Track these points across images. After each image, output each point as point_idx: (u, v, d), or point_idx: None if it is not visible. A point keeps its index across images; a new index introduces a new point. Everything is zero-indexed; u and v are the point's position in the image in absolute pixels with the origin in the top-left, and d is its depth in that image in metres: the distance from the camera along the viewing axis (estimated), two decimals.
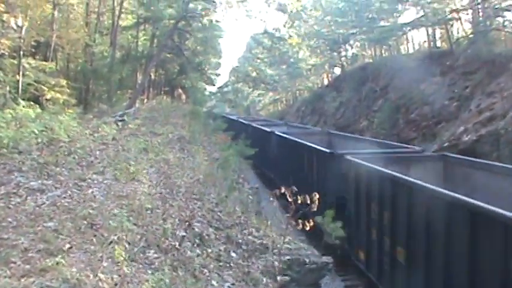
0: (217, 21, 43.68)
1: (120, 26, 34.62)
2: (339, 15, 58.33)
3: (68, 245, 7.16)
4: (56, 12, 25.25)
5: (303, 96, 76.29)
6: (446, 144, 26.78)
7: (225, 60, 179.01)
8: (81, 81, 29.39)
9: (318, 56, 70.47)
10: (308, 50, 72.08)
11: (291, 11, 54.59)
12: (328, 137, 27.66)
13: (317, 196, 8.67)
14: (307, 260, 10.50)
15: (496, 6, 32.27)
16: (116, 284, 6.37)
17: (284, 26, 68.46)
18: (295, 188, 9.29)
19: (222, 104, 55.44)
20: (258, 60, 77.03)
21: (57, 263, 6.40)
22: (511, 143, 22.23)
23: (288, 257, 10.25)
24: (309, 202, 9.09)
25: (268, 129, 31.01)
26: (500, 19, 35.12)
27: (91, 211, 8.68)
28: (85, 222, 8.16)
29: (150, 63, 35.54)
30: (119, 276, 6.62)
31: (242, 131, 29.62)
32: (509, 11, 30.19)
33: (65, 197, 9.41)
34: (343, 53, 63.86)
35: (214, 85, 56.24)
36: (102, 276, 6.40)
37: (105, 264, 6.81)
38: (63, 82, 23.74)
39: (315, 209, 8.90)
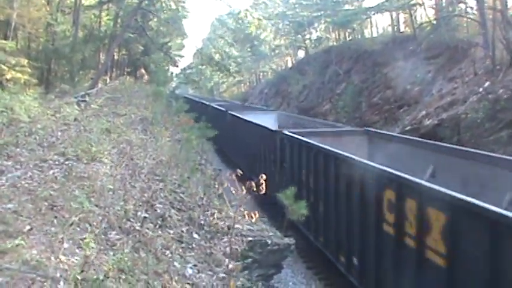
0: (180, 1, 43.36)
1: (82, 5, 34.15)
2: None
3: (28, 227, 7.09)
4: None
5: (267, 78, 76.36)
6: (408, 128, 27.14)
7: (189, 42, 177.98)
8: (42, 61, 28.93)
9: (282, 38, 70.57)
10: (272, 31, 72.15)
11: None
12: (278, 116, 31.67)
13: (264, 177, 8.74)
14: (269, 242, 10.58)
15: None
16: (76, 266, 6.34)
17: (250, 7, 68.45)
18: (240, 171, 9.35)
19: (185, 85, 55.22)
20: (222, 42, 76.84)
21: (17, 245, 6.33)
22: (471, 127, 22.62)
23: (250, 238, 10.32)
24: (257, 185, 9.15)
25: (224, 109, 34.51)
26: (462, 6, 35.57)
27: (52, 192, 8.60)
28: (46, 203, 8.08)
29: (113, 43, 35.21)
30: (80, 257, 6.59)
31: (204, 112, 30.34)
32: None
33: (25, 178, 9.31)
34: (308, 36, 64.05)
35: (177, 66, 55.98)
36: (63, 258, 6.37)
37: (66, 245, 6.77)
38: (24, 62, 23.32)
39: (264, 192, 9.00)
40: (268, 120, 26.33)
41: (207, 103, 43.60)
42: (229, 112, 32.36)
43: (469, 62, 27.77)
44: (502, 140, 20.68)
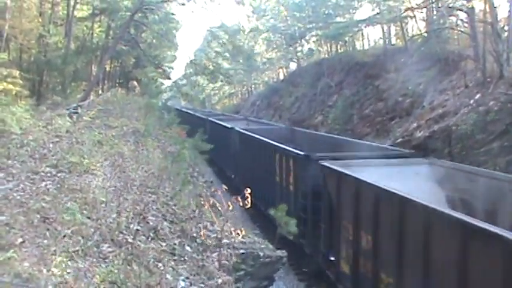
0: (172, 14, 43.43)
1: (75, 17, 34.10)
2: (296, 10, 58.68)
3: (20, 239, 7.08)
4: (8, 1, 24.72)
5: (259, 90, 76.48)
6: (399, 140, 27.21)
7: (181, 53, 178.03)
8: (34, 72, 28.82)
9: (274, 51, 70.74)
10: (264, 44, 72.32)
11: (250, 5, 54.70)
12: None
13: (249, 191, 8.80)
14: (262, 254, 10.59)
15: (450, 6, 32.84)
16: (69, 278, 6.33)
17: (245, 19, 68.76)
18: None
19: (177, 97, 55.26)
20: (214, 54, 77.01)
21: (9, 258, 6.33)
22: (462, 139, 22.71)
23: (242, 251, 10.32)
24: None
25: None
26: (453, 18, 35.76)
27: (44, 204, 8.59)
28: (38, 215, 8.07)
29: (105, 55, 35.17)
30: (72, 270, 6.58)
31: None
32: (462, 10, 30.72)
33: (17, 190, 9.29)
34: (299, 48, 64.20)
35: (169, 78, 55.94)
36: (55, 270, 6.36)
37: (58, 258, 6.76)
38: (16, 73, 23.22)
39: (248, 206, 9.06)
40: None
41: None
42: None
43: (460, 74, 27.90)
44: (492, 152, 20.76)
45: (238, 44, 67.18)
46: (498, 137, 21.10)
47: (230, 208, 8.44)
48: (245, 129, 28.33)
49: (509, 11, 27.09)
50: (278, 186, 19.48)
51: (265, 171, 21.54)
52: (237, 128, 29.15)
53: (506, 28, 27.06)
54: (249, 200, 8.98)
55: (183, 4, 34.35)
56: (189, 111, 52.85)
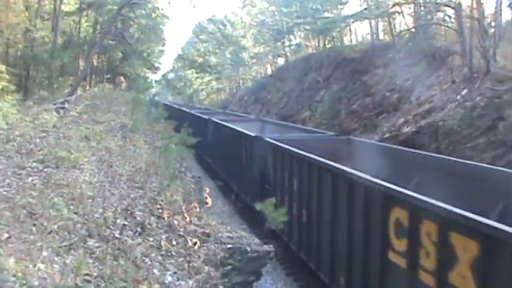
0: (157, 8, 43.34)
1: (62, 11, 33.96)
2: (283, 5, 58.68)
3: (6, 235, 7.04)
4: None
5: (246, 85, 76.45)
6: (387, 135, 27.33)
7: (169, 48, 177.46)
8: (21, 67, 28.71)
9: (262, 46, 70.73)
10: (252, 39, 72.28)
11: None
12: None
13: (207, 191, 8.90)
14: (249, 249, 10.61)
15: (437, 2, 32.99)
16: (56, 274, 6.31)
17: (232, 13, 68.63)
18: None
19: (164, 92, 55.27)
20: (202, 49, 76.85)
21: None
22: (449, 134, 22.84)
23: (229, 246, 10.33)
24: None
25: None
26: (440, 14, 35.95)
27: (30, 200, 8.54)
28: (24, 211, 8.03)
29: (93, 49, 35.04)
30: (59, 265, 6.56)
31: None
32: (450, 6, 30.85)
33: (3, 186, 9.23)
34: (287, 43, 64.23)
35: (156, 73, 55.90)
36: (41, 266, 6.34)
37: (44, 253, 6.74)
38: (2, 68, 23.16)
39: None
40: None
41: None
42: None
43: (447, 70, 28.04)
44: (479, 147, 20.91)
45: (226, 33, 67.16)
46: (484, 133, 21.25)
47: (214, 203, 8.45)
48: (218, 119, 32.90)
49: (495, 7, 27.26)
50: (239, 164, 24.12)
51: (232, 153, 25.81)
52: (213, 119, 33.71)
53: (492, 24, 27.23)
54: (209, 200, 9.06)
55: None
56: (174, 105, 54.71)
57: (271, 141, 19.23)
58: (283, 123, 33.25)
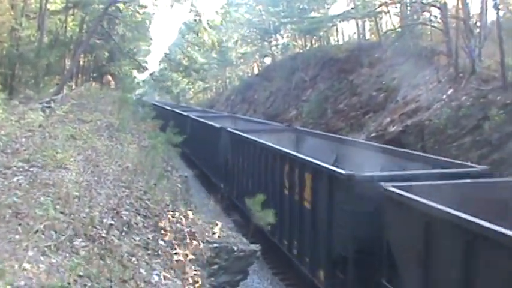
0: (142, 6, 43.24)
1: (48, 10, 33.77)
2: (270, 5, 58.69)
3: None
4: None
5: (233, 84, 76.42)
6: (373, 135, 27.44)
7: (156, 48, 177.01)
8: (6, 66, 28.51)
9: (249, 45, 70.71)
10: (239, 38, 72.23)
11: None
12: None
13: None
14: (235, 248, 10.62)
15: (423, 2, 33.16)
16: (42, 273, 6.29)
17: (217, 13, 68.47)
18: None
19: (151, 91, 55.17)
20: (189, 49, 76.63)
21: None
22: (434, 133, 22.97)
23: (216, 245, 10.34)
24: None
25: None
26: (426, 14, 36.12)
27: (16, 199, 8.49)
28: (10, 211, 7.98)
29: (79, 48, 34.88)
30: (45, 265, 6.54)
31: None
32: (435, 6, 31.03)
33: None
34: (274, 43, 64.28)
35: (144, 72, 55.75)
36: (27, 265, 6.32)
37: (30, 253, 6.71)
38: None
39: None
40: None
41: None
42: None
43: (433, 70, 28.19)
44: (464, 146, 21.05)
45: (212, 38, 67.05)
46: (470, 132, 21.39)
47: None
48: (195, 116, 38.15)
49: (481, 7, 27.43)
50: (210, 153, 29.66)
51: (204, 143, 31.48)
52: (191, 115, 38.92)
53: (478, 24, 27.40)
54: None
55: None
56: (157, 104, 56.51)
57: (232, 130, 25.33)
58: (252, 119, 38.71)
